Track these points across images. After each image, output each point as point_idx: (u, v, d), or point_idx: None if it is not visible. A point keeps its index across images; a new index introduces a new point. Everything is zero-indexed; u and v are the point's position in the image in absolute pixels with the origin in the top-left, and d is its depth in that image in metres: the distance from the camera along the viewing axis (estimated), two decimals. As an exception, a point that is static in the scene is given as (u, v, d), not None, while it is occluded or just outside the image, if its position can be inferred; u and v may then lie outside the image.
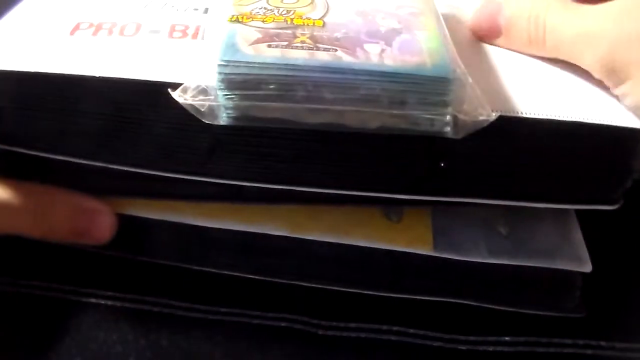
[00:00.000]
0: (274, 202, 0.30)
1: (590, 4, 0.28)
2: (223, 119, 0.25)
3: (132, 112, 0.27)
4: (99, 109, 0.27)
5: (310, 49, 0.25)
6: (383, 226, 0.30)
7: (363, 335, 0.30)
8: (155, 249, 0.32)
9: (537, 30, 0.29)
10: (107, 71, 0.26)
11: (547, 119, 0.26)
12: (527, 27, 0.29)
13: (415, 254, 0.30)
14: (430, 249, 0.30)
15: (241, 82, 0.24)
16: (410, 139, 0.26)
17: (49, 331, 0.29)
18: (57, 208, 0.29)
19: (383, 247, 0.30)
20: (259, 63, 0.24)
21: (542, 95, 0.28)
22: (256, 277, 0.31)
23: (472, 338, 0.30)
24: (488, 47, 0.31)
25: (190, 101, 0.25)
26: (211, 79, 0.24)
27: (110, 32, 0.28)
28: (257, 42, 0.25)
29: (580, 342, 0.30)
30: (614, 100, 0.28)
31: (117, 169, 0.28)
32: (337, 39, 0.25)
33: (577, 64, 0.28)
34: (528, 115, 0.26)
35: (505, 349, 0.30)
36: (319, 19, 0.27)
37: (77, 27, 0.29)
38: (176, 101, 0.24)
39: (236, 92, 0.24)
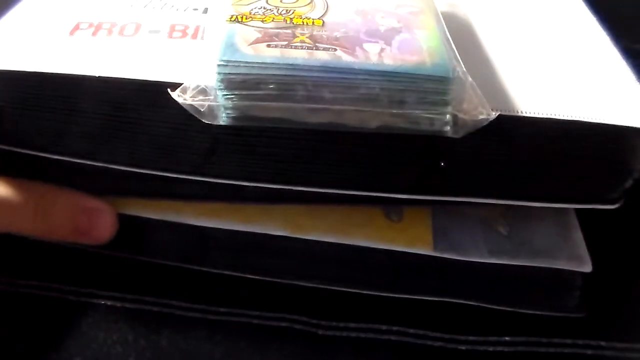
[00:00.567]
0: (274, 202, 0.30)
1: None
2: (222, 119, 0.25)
3: (131, 112, 0.27)
4: (98, 109, 0.27)
5: (309, 48, 0.25)
6: (383, 226, 0.30)
7: (363, 335, 0.30)
8: (155, 249, 0.32)
9: None
10: (107, 71, 0.26)
11: (547, 118, 0.26)
12: None
13: (415, 254, 0.30)
14: (430, 249, 0.30)
15: (241, 82, 0.24)
16: (410, 138, 0.26)
17: (48, 331, 0.29)
18: (58, 207, 0.29)
19: (383, 247, 0.30)
20: (258, 63, 0.24)
21: (542, 94, 0.28)
22: (256, 277, 0.31)
23: (472, 338, 0.30)
24: (488, 47, 0.31)
25: (189, 101, 0.25)
26: (211, 79, 0.24)
27: (110, 32, 0.29)
28: (256, 42, 0.25)
29: (580, 342, 0.30)
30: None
31: (117, 168, 0.28)
32: (336, 39, 0.25)
33: None
34: (528, 115, 0.26)
35: (505, 349, 0.30)
36: (318, 19, 0.27)
37: (76, 27, 0.29)
38: (176, 101, 0.24)
39: (236, 92, 0.24)
